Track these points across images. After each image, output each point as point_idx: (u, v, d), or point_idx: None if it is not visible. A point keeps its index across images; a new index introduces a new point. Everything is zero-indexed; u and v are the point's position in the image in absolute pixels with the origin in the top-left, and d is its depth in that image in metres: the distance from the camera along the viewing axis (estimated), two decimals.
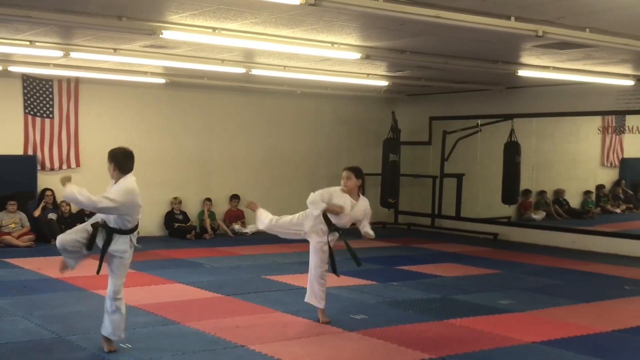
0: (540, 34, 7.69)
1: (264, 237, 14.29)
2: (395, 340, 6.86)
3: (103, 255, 6.20)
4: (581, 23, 7.92)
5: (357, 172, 7.56)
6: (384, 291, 9.31)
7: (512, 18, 7.49)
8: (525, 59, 10.71)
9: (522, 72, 11.47)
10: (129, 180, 6.37)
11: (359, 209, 7.50)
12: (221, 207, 15.16)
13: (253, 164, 15.59)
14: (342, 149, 16.62)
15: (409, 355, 6.41)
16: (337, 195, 7.44)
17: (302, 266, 10.11)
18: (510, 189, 14.95)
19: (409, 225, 16.74)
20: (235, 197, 15.14)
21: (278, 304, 8.28)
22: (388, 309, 8.29)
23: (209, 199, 14.81)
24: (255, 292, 9.00)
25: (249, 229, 14.91)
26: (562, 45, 9.12)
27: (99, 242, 6.22)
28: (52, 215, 13.07)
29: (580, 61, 10.71)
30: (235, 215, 15.16)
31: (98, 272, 6.24)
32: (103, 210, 6.15)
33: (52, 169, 13.41)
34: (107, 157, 6.48)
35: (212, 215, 14.79)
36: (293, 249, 12.24)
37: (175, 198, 14.55)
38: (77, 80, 13.61)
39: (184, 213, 14.60)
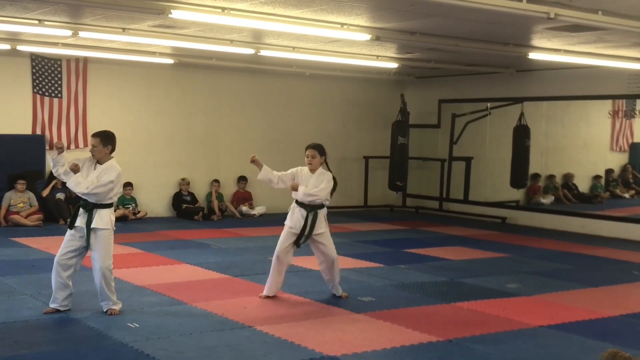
0: (552, 16, 7.61)
1: (271, 219, 14.38)
2: (403, 322, 6.86)
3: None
4: (593, 5, 7.85)
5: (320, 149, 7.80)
6: (392, 274, 9.30)
7: (524, 0, 7.42)
8: (537, 41, 10.62)
9: (533, 55, 11.38)
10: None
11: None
12: (229, 189, 15.17)
13: (261, 145, 15.55)
14: (351, 131, 16.57)
15: (416, 337, 6.40)
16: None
17: (309, 248, 10.13)
18: (519, 172, 14.89)
19: (417, 208, 16.71)
20: (243, 179, 15.14)
21: (285, 286, 8.25)
22: (395, 292, 8.28)
23: (217, 181, 14.81)
24: (263, 274, 8.96)
25: (257, 211, 15.02)
26: (574, 28, 9.03)
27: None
28: (60, 195, 13.11)
29: (592, 44, 10.61)
30: (243, 196, 15.16)
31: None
32: None
33: None
34: (104, 139, 7.00)
35: (219, 197, 14.79)
36: None
37: (183, 179, 14.56)
38: (86, 60, 13.59)
39: (191, 194, 14.61)
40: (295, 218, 7.69)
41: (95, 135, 7.01)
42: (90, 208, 6.81)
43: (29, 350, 5.76)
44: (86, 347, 5.92)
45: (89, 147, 7.09)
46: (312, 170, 7.71)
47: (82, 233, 6.82)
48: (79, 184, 6.79)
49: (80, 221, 6.83)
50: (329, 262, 7.83)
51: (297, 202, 7.73)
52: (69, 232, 6.92)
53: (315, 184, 7.65)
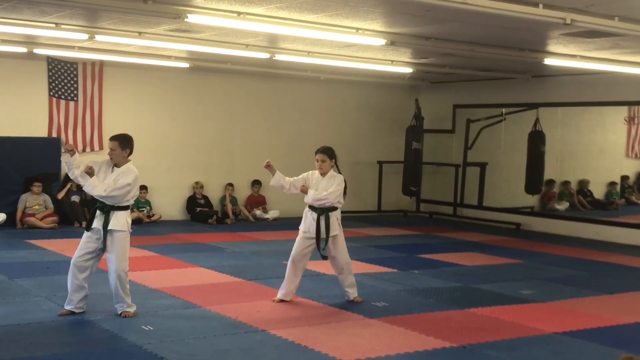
0: (568, 21, 7.59)
1: (284, 223, 14.39)
2: (416, 327, 6.84)
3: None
4: (610, 11, 7.82)
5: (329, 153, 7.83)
6: (405, 279, 9.29)
7: (540, 5, 7.39)
8: (552, 47, 10.58)
9: (549, 61, 11.34)
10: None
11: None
12: (243, 193, 15.19)
13: (275, 149, 15.57)
14: (365, 136, 16.56)
15: (430, 342, 6.39)
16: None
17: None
18: (534, 178, 14.83)
19: (431, 213, 16.68)
20: (257, 183, 15.16)
21: (299, 290, 8.24)
22: (409, 297, 8.26)
23: (230, 184, 14.84)
24: (277, 277, 8.98)
25: (270, 215, 15.03)
26: (590, 34, 9.00)
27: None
28: (75, 198, 13.17)
29: (608, 50, 10.57)
30: (257, 200, 15.18)
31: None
32: None
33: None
34: (122, 142, 7.03)
35: (233, 200, 14.82)
36: None
37: (197, 183, 14.60)
38: (102, 64, 13.66)
39: (205, 198, 14.65)
40: (307, 222, 7.73)
41: (113, 138, 7.02)
42: (107, 210, 6.84)
43: (44, 352, 5.79)
44: (101, 349, 5.94)
45: (108, 150, 7.08)
46: (323, 174, 7.74)
47: (98, 235, 6.85)
48: (95, 187, 6.82)
49: (97, 223, 6.86)
50: (339, 267, 7.84)
51: (309, 206, 7.75)
52: (85, 234, 6.95)
53: (325, 187, 7.68)
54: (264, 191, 15.22)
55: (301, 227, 7.81)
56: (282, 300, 7.76)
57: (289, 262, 7.79)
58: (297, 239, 7.84)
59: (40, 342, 6.05)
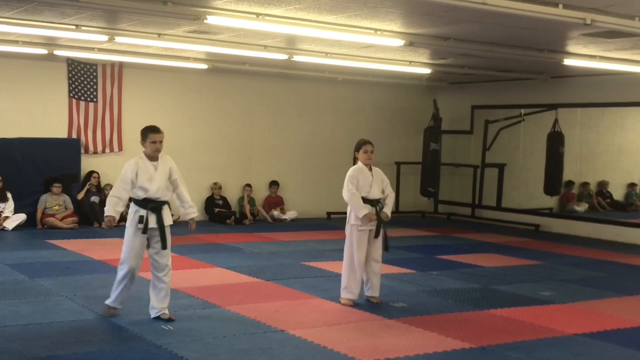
0: (588, 22, 7.57)
1: (302, 224, 14.42)
2: (435, 328, 6.83)
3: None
4: (630, 11, 7.78)
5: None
6: (424, 280, 9.27)
7: (560, 6, 7.37)
8: (572, 47, 10.54)
9: (568, 61, 11.29)
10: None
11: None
12: (261, 193, 15.23)
13: (293, 150, 15.63)
14: (383, 137, 16.51)
15: (449, 343, 6.38)
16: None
17: (340, 253, 10.16)
18: (553, 179, 14.76)
19: (449, 214, 16.63)
20: (274, 184, 15.19)
21: (317, 290, 8.30)
22: (428, 298, 8.25)
23: (249, 185, 14.88)
24: (295, 278, 9.03)
25: (288, 216, 15.06)
26: (610, 34, 8.96)
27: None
28: (94, 199, 13.25)
29: (628, 50, 10.51)
30: (275, 201, 15.21)
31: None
32: None
33: (95, 152, 13.61)
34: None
35: (251, 201, 14.86)
36: (331, 236, 12.28)
37: (215, 183, 14.65)
38: (121, 65, 13.75)
39: (224, 198, 14.70)
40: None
41: (159, 130, 6.78)
42: (160, 208, 6.80)
43: (64, 351, 5.83)
44: (121, 349, 5.98)
45: (154, 144, 6.73)
46: (369, 165, 7.77)
47: (154, 233, 6.76)
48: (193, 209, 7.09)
49: (153, 222, 6.73)
50: (376, 260, 7.85)
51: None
52: (137, 235, 6.73)
53: (382, 178, 7.82)
54: (282, 192, 15.25)
55: (355, 222, 7.69)
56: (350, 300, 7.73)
57: (360, 263, 7.70)
58: (354, 235, 7.70)
59: (61, 341, 6.09)
